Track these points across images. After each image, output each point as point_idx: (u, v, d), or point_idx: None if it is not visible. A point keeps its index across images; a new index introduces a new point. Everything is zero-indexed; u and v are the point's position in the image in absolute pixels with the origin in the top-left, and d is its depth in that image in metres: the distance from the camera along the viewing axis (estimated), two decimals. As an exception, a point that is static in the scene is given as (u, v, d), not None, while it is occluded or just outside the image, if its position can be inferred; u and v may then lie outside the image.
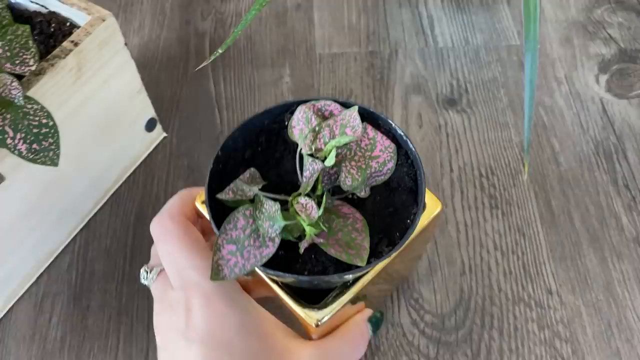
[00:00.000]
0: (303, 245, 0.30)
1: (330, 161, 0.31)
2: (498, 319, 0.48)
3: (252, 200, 0.30)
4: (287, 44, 0.66)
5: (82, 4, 0.45)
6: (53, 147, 0.37)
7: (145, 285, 0.35)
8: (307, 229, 0.30)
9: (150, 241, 0.53)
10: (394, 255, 0.31)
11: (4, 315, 0.49)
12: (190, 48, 0.66)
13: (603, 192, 0.55)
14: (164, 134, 0.59)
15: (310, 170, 0.30)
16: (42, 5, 0.47)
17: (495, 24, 0.67)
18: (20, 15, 0.47)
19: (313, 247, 0.31)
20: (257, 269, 0.30)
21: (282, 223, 0.29)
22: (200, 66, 0.41)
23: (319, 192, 0.32)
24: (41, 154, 0.37)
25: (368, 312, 0.38)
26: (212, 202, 0.31)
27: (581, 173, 0.56)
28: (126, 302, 0.50)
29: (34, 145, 0.37)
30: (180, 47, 0.66)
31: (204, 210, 0.36)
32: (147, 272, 0.35)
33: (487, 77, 0.63)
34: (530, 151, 0.57)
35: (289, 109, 0.36)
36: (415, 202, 0.34)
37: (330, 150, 0.31)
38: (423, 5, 0.69)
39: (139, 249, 0.52)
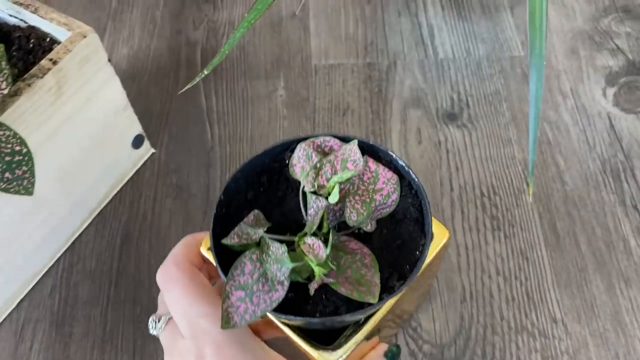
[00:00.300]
0: (313, 287, 0.29)
1: (333, 198, 0.30)
2: (500, 350, 0.46)
3: (258, 243, 0.30)
4: (282, 54, 0.64)
5: (62, 19, 0.43)
6: (27, 175, 0.35)
7: (154, 335, 0.34)
8: (316, 269, 0.29)
9: (138, 261, 0.51)
10: (405, 289, 0.30)
11: (-17, 343, 0.47)
12: (182, 58, 0.63)
13: (610, 213, 0.52)
14: (153, 150, 0.56)
15: (314, 208, 0.30)
16: (22, 20, 0.45)
17: (498, 33, 0.65)
18: (-1, 30, 0.45)
19: (323, 286, 0.30)
20: (267, 313, 0.29)
21: (291, 265, 0.28)
22: (186, 87, 0.39)
23: (324, 230, 0.31)
24: (14, 183, 0.35)
25: (383, 347, 0.36)
26: (218, 248, 0.30)
27: (587, 193, 0.53)
28: (111, 329, 0.48)
29: (7, 174, 0.35)
30: (171, 57, 0.63)
31: (209, 256, 0.35)
32: (155, 322, 0.34)
33: (489, 90, 0.60)
34: (534, 170, 0.54)
35: (289, 147, 0.35)
36: (422, 233, 0.33)
37: (334, 187, 0.30)
38: (423, 14, 0.66)
39: (125, 271, 0.50)
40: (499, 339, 0.46)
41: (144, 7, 0.67)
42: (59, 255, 0.51)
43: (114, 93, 0.47)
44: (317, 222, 0.30)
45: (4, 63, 0.36)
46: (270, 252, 0.29)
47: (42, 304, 0.49)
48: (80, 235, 0.52)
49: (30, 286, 0.49)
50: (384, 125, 0.58)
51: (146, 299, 0.49)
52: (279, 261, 0.28)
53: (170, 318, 0.33)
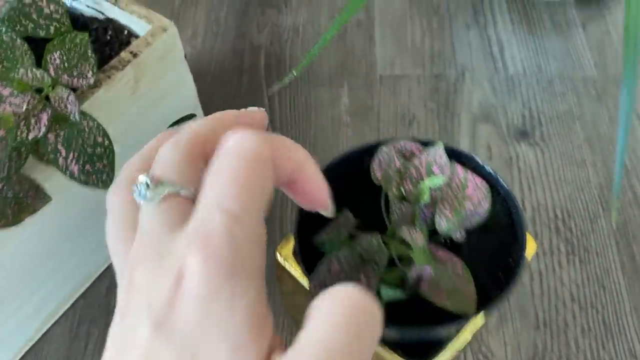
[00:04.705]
0: (413, 273, 0.28)
1: (426, 199, 0.29)
2: (576, 382, 0.43)
3: (347, 238, 0.29)
4: (347, 63, 0.62)
5: (143, 11, 0.42)
6: (107, 169, 0.34)
7: (138, 200, 0.21)
8: (415, 256, 0.27)
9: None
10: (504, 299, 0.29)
11: (40, 339, 0.46)
12: (245, 61, 0.62)
13: (692, 243, 0.49)
14: (214, 152, 0.55)
15: (398, 213, 0.29)
16: (99, 12, 0.44)
17: (570, 51, 0.63)
18: (76, 21, 0.44)
19: (411, 302, 0.29)
20: None
21: (387, 254, 0.28)
22: (276, 88, 0.38)
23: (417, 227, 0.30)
24: (93, 176, 0.34)
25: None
26: (303, 251, 0.30)
27: (667, 221, 0.51)
28: (167, 333, 0.46)
29: (87, 166, 0.33)
30: (235, 60, 0.62)
31: (287, 264, 0.34)
32: (147, 186, 0.21)
33: (562, 109, 0.58)
34: (610, 195, 0.52)
35: (367, 152, 0.34)
36: (514, 239, 0.31)
37: (425, 192, 0.29)
38: (492, 28, 0.64)
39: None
40: (575, 370, 0.44)
41: (208, 7, 0.67)
42: (116, 254, 0.49)
43: (187, 91, 0.46)
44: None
45: (89, 52, 0.35)
46: (363, 244, 0.28)
47: (98, 304, 0.48)
48: (138, 235, 0.51)
49: (86, 286, 0.48)
50: (452, 138, 0.56)
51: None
52: (372, 252, 0.27)
53: (181, 196, 0.21)
